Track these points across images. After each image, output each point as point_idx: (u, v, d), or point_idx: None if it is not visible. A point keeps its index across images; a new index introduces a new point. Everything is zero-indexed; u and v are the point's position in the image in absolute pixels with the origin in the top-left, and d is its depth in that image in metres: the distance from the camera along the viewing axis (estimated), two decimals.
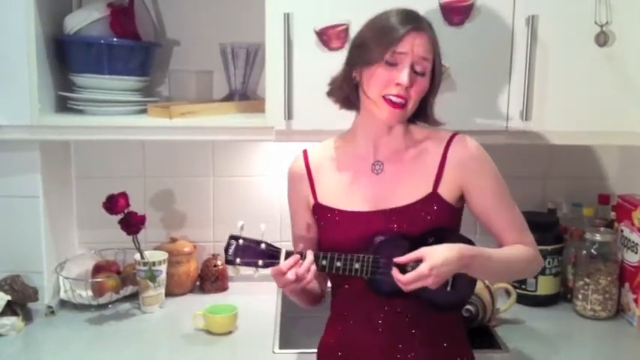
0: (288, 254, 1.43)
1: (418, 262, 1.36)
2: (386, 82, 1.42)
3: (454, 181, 1.50)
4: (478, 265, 1.42)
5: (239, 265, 1.46)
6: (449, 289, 1.44)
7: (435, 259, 1.34)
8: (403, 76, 1.40)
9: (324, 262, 1.43)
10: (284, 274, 1.40)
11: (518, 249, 1.52)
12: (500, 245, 1.55)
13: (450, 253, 1.36)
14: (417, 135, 1.55)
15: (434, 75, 1.47)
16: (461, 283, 1.45)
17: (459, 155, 1.50)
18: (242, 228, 1.46)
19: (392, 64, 1.42)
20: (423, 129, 1.56)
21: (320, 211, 1.55)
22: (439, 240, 1.42)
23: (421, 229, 1.45)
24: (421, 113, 1.52)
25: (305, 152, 1.61)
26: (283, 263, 1.41)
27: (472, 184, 1.50)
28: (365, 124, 1.53)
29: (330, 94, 1.57)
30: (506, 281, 2.03)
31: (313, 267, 1.42)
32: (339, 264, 1.43)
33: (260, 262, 1.44)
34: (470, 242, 1.46)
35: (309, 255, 1.43)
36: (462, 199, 1.52)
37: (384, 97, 1.43)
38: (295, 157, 1.62)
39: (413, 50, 1.41)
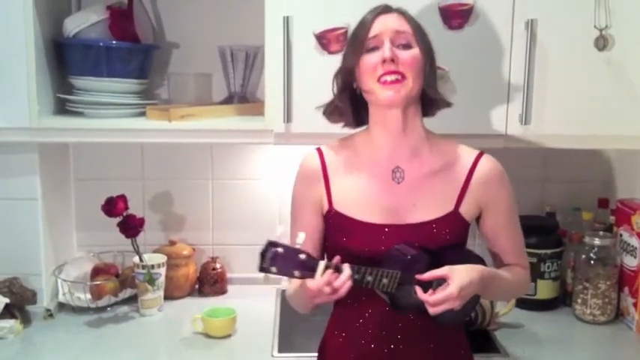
0: (327, 267, 1.32)
1: (441, 280, 1.34)
2: (373, 66, 1.41)
3: (475, 200, 1.48)
4: (491, 286, 1.43)
5: (274, 274, 1.31)
6: None
7: (462, 279, 1.32)
8: (385, 51, 1.39)
9: (356, 277, 1.35)
10: (319, 288, 1.31)
11: (518, 273, 1.54)
12: (497, 264, 1.56)
13: (474, 275, 1.35)
14: (442, 144, 1.51)
15: (424, 54, 1.43)
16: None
17: (486, 174, 1.48)
18: (281, 235, 1.36)
19: (373, 50, 1.41)
20: (449, 140, 1.52)
21: (335, 218, 1.48)
22: (456, 254, 1.41)
23: (436, 245, 1.42)
24: (429, 108, 1.50)
25: (320, 150, 1.54)
26: (321, 279, 1.30)
27: (491, 204, 1.49)
28: (378, 122, 1.48)
29: (332, 116, 1.53)
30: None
31: (349, 282, 1.32)
32: (369, 278, 1.34)
33: (297, 273, 1.31)
34: (482, 260, 1.46)
35: (347, 270, 1.32)
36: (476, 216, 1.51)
37: (378, 80, 1.41)
38: (308, 154, 1.55)
39: (386, 29, 1.41)
